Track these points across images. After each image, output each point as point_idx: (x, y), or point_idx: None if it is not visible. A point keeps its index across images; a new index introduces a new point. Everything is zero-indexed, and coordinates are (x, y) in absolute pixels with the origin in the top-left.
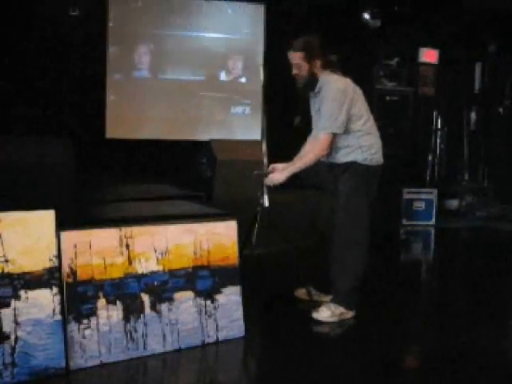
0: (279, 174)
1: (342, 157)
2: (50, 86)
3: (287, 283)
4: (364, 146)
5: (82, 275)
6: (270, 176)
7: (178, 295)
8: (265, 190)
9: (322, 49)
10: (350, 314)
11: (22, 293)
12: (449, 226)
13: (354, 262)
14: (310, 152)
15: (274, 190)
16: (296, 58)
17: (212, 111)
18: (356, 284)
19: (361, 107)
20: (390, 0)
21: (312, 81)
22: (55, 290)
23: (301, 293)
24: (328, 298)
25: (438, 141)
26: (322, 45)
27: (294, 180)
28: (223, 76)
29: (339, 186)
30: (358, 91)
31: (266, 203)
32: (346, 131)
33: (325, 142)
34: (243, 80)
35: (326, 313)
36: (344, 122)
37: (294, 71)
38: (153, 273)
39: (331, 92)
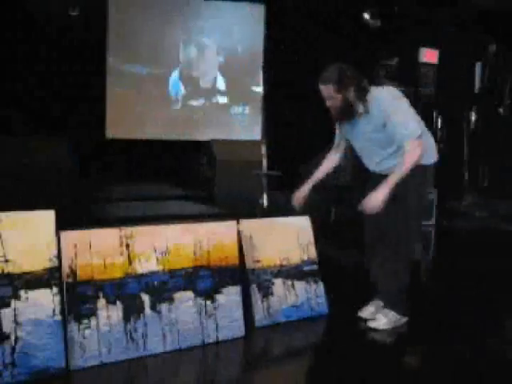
0: (376, 193)
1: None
2: (50, 86)
3: None
4: (430, 146)
5: (82, 275)
6: (367, 201)
7: (177, 295)
8: (264, 189)
9: (355, 76)
10: (403, 320)
11: (21, 293)
12: (449, 226)
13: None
14: (407, 159)
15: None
16: (328, 91)
17: (212, 111)
18: (406, 291)
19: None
20: (390, 0)
21: (348, 109)
22: (55, 289)
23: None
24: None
25: (438, 141)
26: (354, 71)
27: (295, 180)
28: (223, 76)
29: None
30: None
31: (266, 203)
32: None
33: (417, 143)
34: (243, 80)
35: (382, 320)
36: (419, 120)
37: (328, 103)
38: (153, 273)
39: (392, 99)
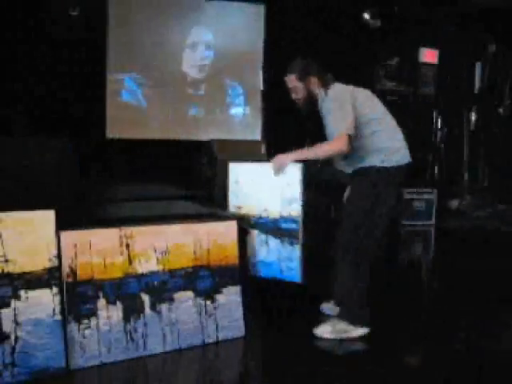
0: (285, 155)
1: (359, 163)
2: (50, 86)
3: (286, 283)
4: (382, 148)
5: (82, 275)
6: (277, 157)
7: (177, 295)
8: None
9: (317, 68)
10: (355, 332)
11: (22, 293)
12: (449, 226)
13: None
14: (325, 144)
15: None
16: (290, 81)
17: (212, 111)
18: (360, 300)
19: (371, 109)
20: (390, 0)
21: (311, 101)
22: (55, 289)
23: (327, 307)
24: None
25: (438, 141)
26: (317, 65)
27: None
28: (223, 76)
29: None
30: (365, 93)
31: None
32: (359, 136)
33: (341, 138)
34: (243, 80)
35: (326, 328)
36: (352, 122)
37: (293, 96)
38: (153, 273)
39: (330, 99)
